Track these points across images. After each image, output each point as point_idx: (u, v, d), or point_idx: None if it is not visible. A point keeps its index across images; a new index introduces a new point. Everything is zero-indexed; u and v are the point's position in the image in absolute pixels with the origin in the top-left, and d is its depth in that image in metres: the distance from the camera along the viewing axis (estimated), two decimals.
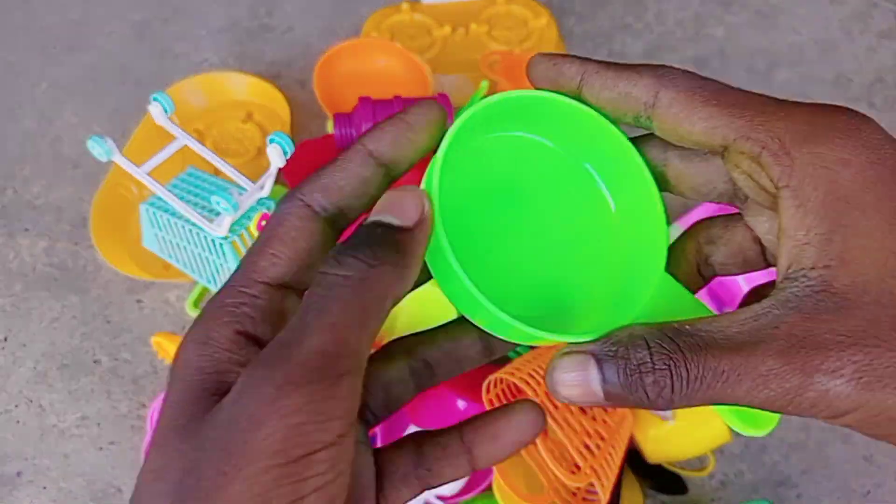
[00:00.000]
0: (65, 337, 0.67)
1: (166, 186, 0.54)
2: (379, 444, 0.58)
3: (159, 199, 0.56)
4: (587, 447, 0.51)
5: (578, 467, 0.50)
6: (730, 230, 0.24)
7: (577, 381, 0.20)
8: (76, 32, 0.89)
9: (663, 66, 0.23)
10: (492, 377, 0.53)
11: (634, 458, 0.58)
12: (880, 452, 0.62)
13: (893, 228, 0.19)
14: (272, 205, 0.54)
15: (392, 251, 0.19)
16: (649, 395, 0.19)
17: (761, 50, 0.88)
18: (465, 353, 0.25)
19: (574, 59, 0.24)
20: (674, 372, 0.19)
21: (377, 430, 0.59)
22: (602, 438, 0.52)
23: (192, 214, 0.53)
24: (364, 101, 0.68)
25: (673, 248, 0.24)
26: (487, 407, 0.54)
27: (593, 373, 0.20)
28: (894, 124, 0.84)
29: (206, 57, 0.86)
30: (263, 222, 0.51)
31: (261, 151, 0.76)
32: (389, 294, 0.20)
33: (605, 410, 0.54)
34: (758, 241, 0.23)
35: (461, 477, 0.23)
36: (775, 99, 0.21)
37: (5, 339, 0.67)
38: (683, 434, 0.56)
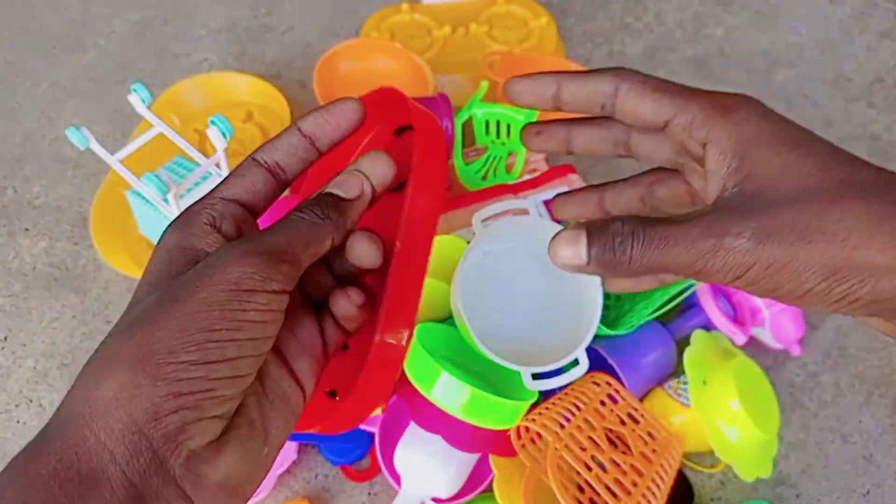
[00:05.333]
0: (65, 336, 0.67)
1: (156, 171, 0.58)
2: (378, 444, 0.59)
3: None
4: (621, 485, 0.50)
5: None
6: (673, 178, 0.34)
7: (569, 247, 0.28)
8: (76, 32, 0.89)
9: (621, 67, 0.32)
10: (520, 424, 0.53)
11: None
12: (880, 452, 0.62)
13: (779, 155, 0.28)
14: None
15: (336, 212, 0.29)
16: (616, 253, 0.27)
17: (761, 50, 0.88)
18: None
19: (547, 72, 0.33)
20: (634, 236, 0.27)
21: (377, 432, 0.59)
22: (640, 474, 0.50)
23: (152, 197, 0.57)
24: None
25: (629, 183, 0.35)
26: (519, 453, 0.54)
27: (582, 241, 0.28)
28: (894, 124, 0.84)
29: (206, 57, 0.86)
30: None
31: None
32: (328, 238, 0.29)
33: (645, 442, 0.53)
34: (689, 192, 0.34)
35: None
36: (699, 89, 0.30)
37: (5, 339, 0.67)
38: (700, 424, 0.57)
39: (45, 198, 0.76)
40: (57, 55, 0.87)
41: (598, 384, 0.56)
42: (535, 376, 0.53)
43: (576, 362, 0.53)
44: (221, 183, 0.30)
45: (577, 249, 0.28)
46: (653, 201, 0.35)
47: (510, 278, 0.56)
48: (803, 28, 0.90)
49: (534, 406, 0.54)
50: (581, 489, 0.52)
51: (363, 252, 0.31)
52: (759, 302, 0.64)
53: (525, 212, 0.59)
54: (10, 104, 0.83)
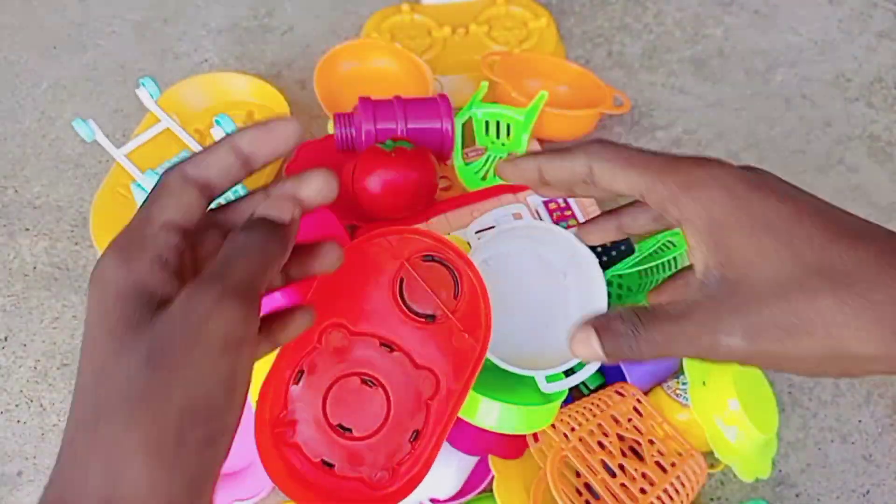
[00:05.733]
0: (65, 336, 0.67)
1: (160, 167, 0.59)
2: None
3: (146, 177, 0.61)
4: (627, 490, 0.50)
5: None
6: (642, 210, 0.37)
7: (586, 348, 0.30)
8: (76, 32, 0.90)
9: (591, 143, 0.33)
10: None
11: None
12: (880, 452, 0.62)
13: (751, 241, 0.29)
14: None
15: (278, 234, 0.29)
16: (626, 351, 0.30)
17: (760, 50, 0.88)
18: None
19: (528, 155, 0.35)
20: (636, 336, 0.29)
21: None
22: (651, 483, 0.50)
23: (141, 178, 0.58)
24: (364, 101, 0.68)
25: (643, 208, 0.37)
26: (534, 453, 0.53)
27: (595, 341, 0.30)
28: (893, 124, 0.84)
29: (207, 57, 0.87)
30: None
31: None
32: (278, 258, 0.29)
33: (661, 453, 0.53)
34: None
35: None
36: (669, 157, 0.31)
37: (6, 339, 0.67)
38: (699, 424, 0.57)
39: (46, 198, 0.76)
40: (57, 55, 0.87)
41: (622, 394, 0.57)
42: (549, 378, 0.53)
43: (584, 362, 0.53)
44: (153, 203, 0.29)
45: (593, 349, 0.31)
46: (665, 222, 0.36)
47: (513, 282, 0.56)
48: (803, 28, 0.90)
49: (564, 404, 0.54)
50: (579, 493, 0.52)
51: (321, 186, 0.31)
52: None
53: (518, 216, 0.59)
54: (11, 104, 0.83)
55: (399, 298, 0.47)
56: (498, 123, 0.73)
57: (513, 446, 0.54)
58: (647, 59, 0.87)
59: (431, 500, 0.56)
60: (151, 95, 0.54)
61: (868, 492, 0.60)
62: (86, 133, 0.54)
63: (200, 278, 0.27)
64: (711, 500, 0.59)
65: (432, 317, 0.47)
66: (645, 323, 0.29)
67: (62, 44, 0.88)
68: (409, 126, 0.67)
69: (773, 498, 0.60)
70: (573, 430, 0.51)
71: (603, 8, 0.92)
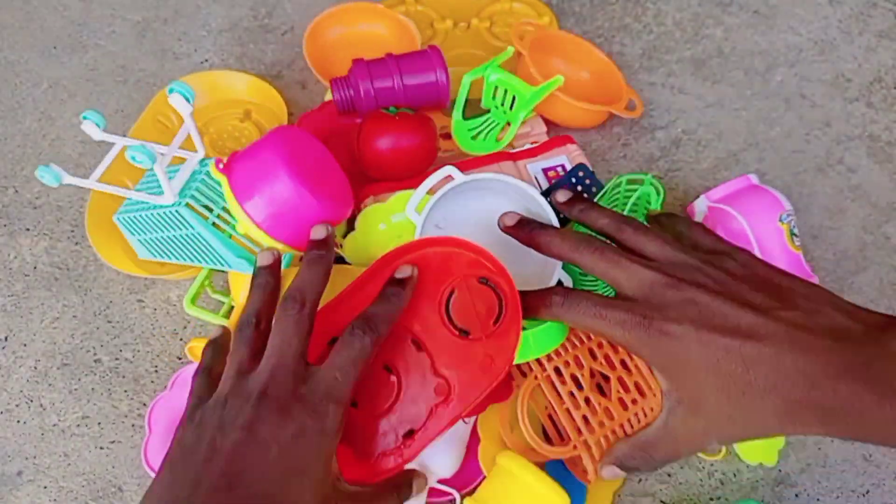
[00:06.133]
0: (66, 336, 0.67)
1: (137, 185, 0.59)
2: None
3: (126, 205, 0.60)
4: (587, 422, 0.52)
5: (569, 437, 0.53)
6: None
7: (613, 475, 0.51)
8: (76, 32, 0.90)
9: (558, 308, 0.50)
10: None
11: None
12: (879, 451, 0.62)
13: (707, 381, 0.45)
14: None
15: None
16: (629, 469, 0.50)
17: (760, 50, 0.88)
18: None
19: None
20: (636, 463, 0.50)
21: None
22: (611, 418, 0.52)
23: (136, 194, 0.57)
24: (358, 62, 0.70)
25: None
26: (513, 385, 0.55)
27: (617, 471, 0.50)
28: (893, 124, 0.84)
29: (207, 57, 0.87)
30: (220, 165, 0.54)
31: None
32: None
33: (627, 390, 0.54)
34: None
35: None
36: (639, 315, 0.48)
37: (6, 339, 0.67)
38: None
39: (46, 197, 0.76)
40: (57, 55, 0.87)
41: None
42: None
43: (560, 283, 0.57)
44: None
45: (614, 472, 0.51)
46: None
47: (472, 235, 0.57)
48: (802, 28, 0.90)
49: None
50: (551, 420, 0.55)
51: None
52: (808, 269, 0.66)
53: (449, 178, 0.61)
54: (11, 104, 0.83)
55: (444, 306, 0.50)
56: (505, 92, 0.73)
57: (501, 391, 0.56)
58: (646, 60, 0.87)
59: (439, 482, 0.56)
60: (188, 100, 0.55)
61: (868, 492, 0.60)
62: (51, 179, 0.54)
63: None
64: (711, 499, 0.59)
65: (467, 332, 0.49)
66: (637, 451, 0.50)
67: (62, 44, 0.89)
68: (406, 82, 0.69)
69: (773, 497, 0.60)
70: (550, 360, 0.53)
71: (602, 8, 0.92)
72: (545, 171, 0.70)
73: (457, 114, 0.72)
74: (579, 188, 0.68)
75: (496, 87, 0.73)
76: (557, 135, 0.74)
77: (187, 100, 0.54)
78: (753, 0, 0.93)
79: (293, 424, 0.41)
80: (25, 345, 0.67)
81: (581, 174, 0.69)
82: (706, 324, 0.44)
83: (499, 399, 0.56)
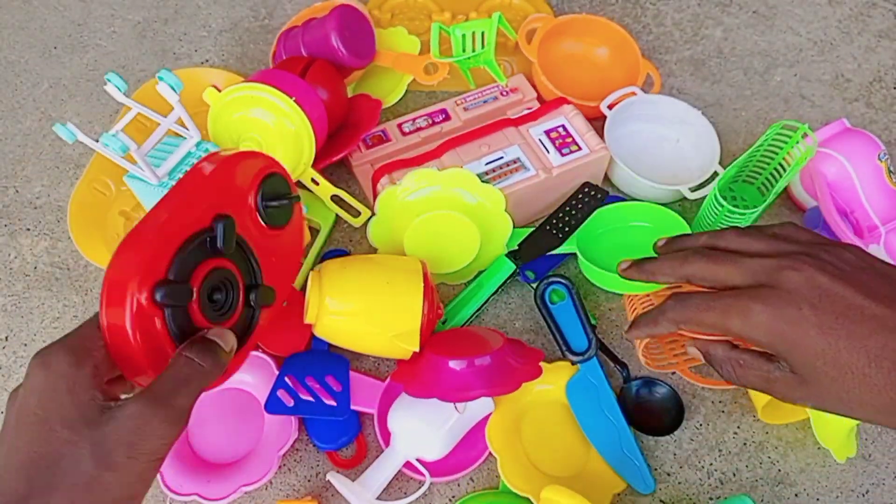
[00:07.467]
0: None
1: (147, 155, 0.60)
2: (376, 419, 0.60)
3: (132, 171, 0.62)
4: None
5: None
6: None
7: (694, 352, 0.51)
8: (77, 32, 0.90)
9: (669, 303, 0.48)
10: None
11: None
12: (879, 451, 0.62)
13: (822, 339, 0.41)
14: (209, 146, 0.61)
15: (219, 360, 0.39)
16: (710, 361, 0.49)
17: (759, 50, 0.88)
18: None
19: (632, 332, 0.53)
20: (722, 364, 0.49)
21: (376, 408, 0.60)
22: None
23: (132, 168, 0.59)
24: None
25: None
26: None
27: (696, 352, 0.51)
28: (893, 124, 0.84)
29: (208, 58, 0.87)
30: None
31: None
32: (212, 384, 0.38)
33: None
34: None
35: None
36: (731, 296, 0.44)
37: (6, 339, 0.67)
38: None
39: (47, 197, 0.76)
40: (57, 55, 0.87)
41: None
42: (692, 189, 0.73)
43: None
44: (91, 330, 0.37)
45: (694, 352, 0.51)
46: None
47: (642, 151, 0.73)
48: (802, 28, 0.91)
49: None
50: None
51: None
52: (875, 220, 0.67)
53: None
54: (11, 104, 0.83)
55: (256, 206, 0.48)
56: (473, 34, 0.78)
57: (509, 381, 0.57)
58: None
59: (419, 461, 0.58)
60: (119, 89, 0.56)
61: (868, 492, 0.60)
62: (67, 135, 0.55)
63: (149, 396, 0.35)
64: (711, 499, 0.60)
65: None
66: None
67: (62, 44, 0.89)
68: (307, 52, 0.73)
69: (773, 497, 0.60)
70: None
71: (603, 8, 0.92)
72: (547, 132, 0.71)
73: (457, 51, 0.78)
74: (586, 200, 0.70)
75: (463, 37, 0.78)
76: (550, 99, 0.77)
77: (173, 89, 0.55)
78: (753, 0, 0.93)
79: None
80: (25, 345, 0.67)
81: (587, 189, 0.70)
82: (827, 309, 0.40)
83: (508, 390, 0.57)
